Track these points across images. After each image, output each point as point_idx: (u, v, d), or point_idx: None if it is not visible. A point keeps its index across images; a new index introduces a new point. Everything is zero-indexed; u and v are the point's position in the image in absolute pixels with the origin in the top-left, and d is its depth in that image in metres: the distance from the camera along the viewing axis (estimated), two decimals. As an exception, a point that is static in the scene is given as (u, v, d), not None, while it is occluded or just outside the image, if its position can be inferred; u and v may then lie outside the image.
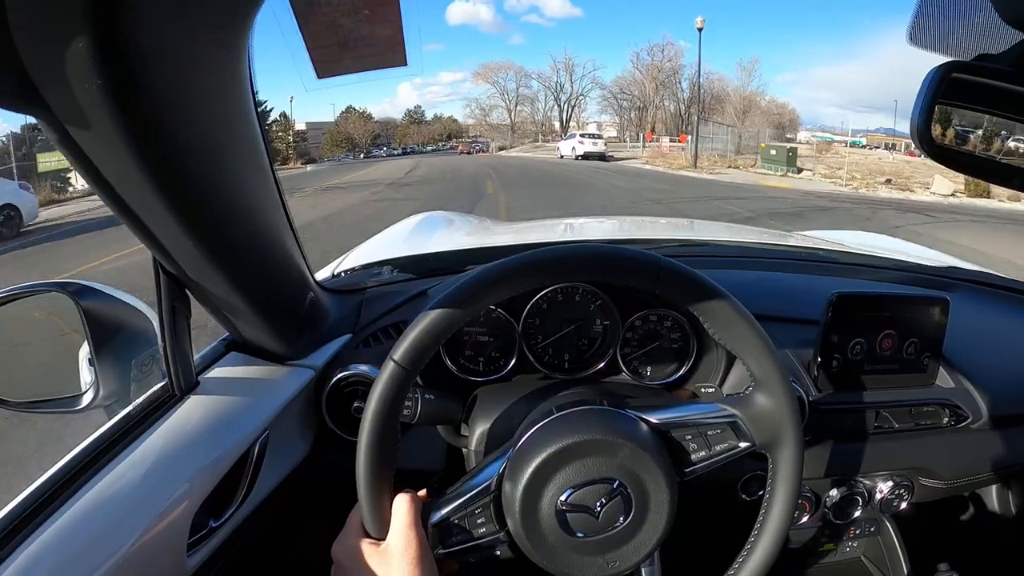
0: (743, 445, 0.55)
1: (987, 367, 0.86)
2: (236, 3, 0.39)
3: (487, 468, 0.57)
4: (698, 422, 0.55)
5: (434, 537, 0.54)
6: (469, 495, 0.55)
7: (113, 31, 0.32)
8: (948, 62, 0.56)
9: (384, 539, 0.53)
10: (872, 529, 0.89)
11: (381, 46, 0.48)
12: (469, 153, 43.28)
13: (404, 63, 0.49)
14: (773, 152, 19.41)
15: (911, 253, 1.34)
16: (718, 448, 0.55)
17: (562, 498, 0.52)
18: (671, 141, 31.62)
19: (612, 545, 0.53)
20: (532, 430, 0.57)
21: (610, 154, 26.53)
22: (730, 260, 1.06)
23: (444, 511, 0.54)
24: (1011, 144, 0.65)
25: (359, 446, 0.52)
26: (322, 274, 0.98)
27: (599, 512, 0.52)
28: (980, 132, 0.64)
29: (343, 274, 0.97)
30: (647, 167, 21.67)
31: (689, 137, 25.74)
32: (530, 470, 0.52)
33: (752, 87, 38.93)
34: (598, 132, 33.10)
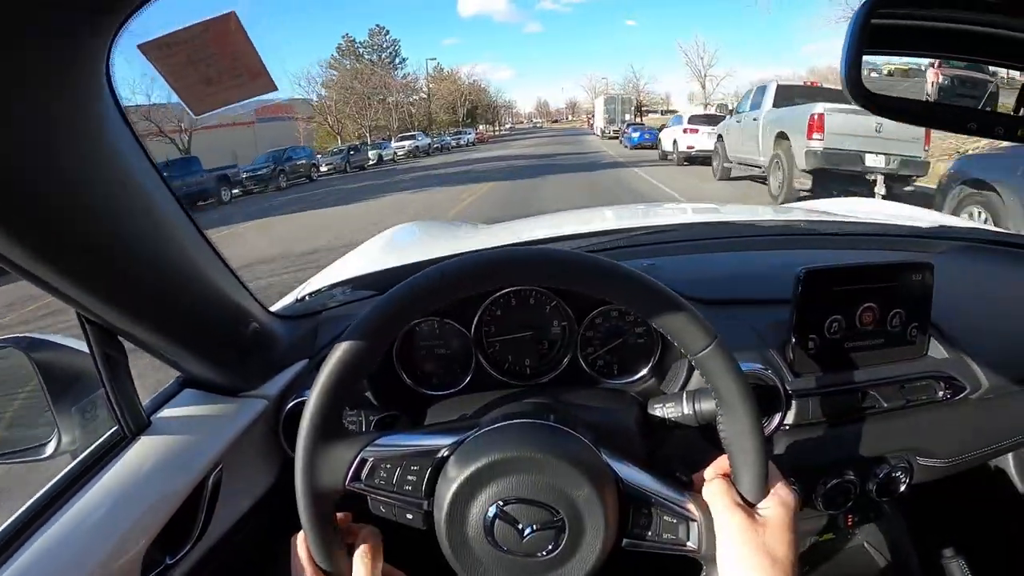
0: (689, 546, 0.52)
1: (983, 331, 0.80)
2: (80, 59, 0.39)
3: (440, 435, 0.55)
4: (662, 503, 0.52)
5: (359, 467, 0.52)
6: (413, 449, 0.54)
7: None
8: (869, 2, 0.51)
9: (331, 571, 0.53)
10: (872, 515, 0.83)
11: (245, 76, 0.47)
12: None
13: (274, 88, 0.49)
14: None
15: (899, 215, 1.25)
16: (666, 536, 0.52)
17: (500, 503, 0.50)
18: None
19: (521, 570, 0.51)
20: (505, 423, 0.55)
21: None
22: (699, 243, 1.02)
23: (383, 452, 0.53)
24: (956, 84, 0.59)
25: (296, 463, 0.52)
26: (286, 300, 0.99)
27: (528, 534, 0.50)
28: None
29: (306, 298, 0.97)
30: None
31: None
32: (487, 460, 0.51)
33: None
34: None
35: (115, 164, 0.46)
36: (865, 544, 0.86)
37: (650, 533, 0.52)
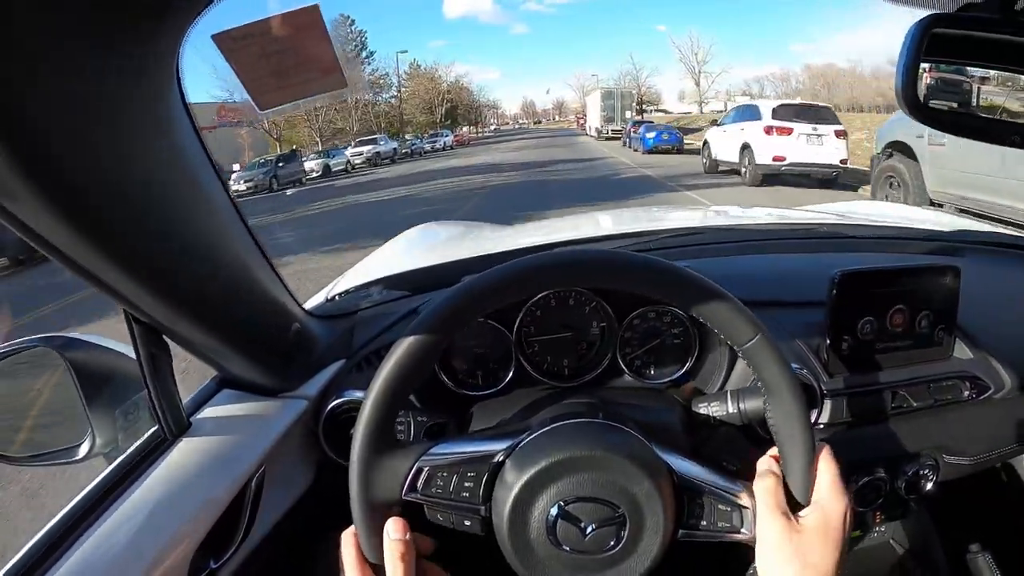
0: (743, 533, 0.52)
1: (1005, 333, 0.82)
2: (150, 53, 0.38)
3: (493, 440, 0.55)
4: (714, 492, 0.53)
5: (414, 477, 0.52)
6: (468, 456, 0.54)
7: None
8: (929, 15, 0.52)
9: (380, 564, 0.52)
10: (899, 512, 0.85)
11: (316, 71, 0.47)
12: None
13: (344, 85, 0.48)
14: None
15: (919, 219, 1.28)
16: (720, 525, 0.53)
17: (562, 502, 0.50)
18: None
19: (584, 568, 0.51)
20: (558, 424, 0.55)
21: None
22: (728, 246, 1.03)
23: (438, 460, 0.53)
24: (1005, 98, 0.60)
25: (351, 475, 0.51)
26: (316, 299, 0.97)
27: (590, 532, 0.50)
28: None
29: (336, 298, 0.96)
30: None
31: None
32: (546, 462, 0.51)
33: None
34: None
35: (178, 162, 0.46)
36: (891, 541, 0.88)
37: (704, 523, 0.53)
